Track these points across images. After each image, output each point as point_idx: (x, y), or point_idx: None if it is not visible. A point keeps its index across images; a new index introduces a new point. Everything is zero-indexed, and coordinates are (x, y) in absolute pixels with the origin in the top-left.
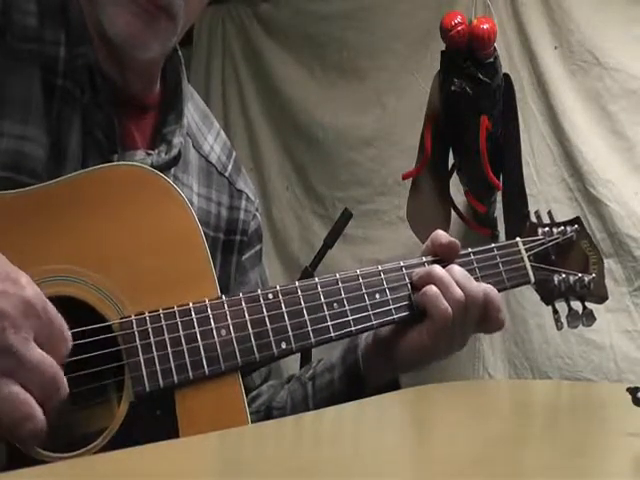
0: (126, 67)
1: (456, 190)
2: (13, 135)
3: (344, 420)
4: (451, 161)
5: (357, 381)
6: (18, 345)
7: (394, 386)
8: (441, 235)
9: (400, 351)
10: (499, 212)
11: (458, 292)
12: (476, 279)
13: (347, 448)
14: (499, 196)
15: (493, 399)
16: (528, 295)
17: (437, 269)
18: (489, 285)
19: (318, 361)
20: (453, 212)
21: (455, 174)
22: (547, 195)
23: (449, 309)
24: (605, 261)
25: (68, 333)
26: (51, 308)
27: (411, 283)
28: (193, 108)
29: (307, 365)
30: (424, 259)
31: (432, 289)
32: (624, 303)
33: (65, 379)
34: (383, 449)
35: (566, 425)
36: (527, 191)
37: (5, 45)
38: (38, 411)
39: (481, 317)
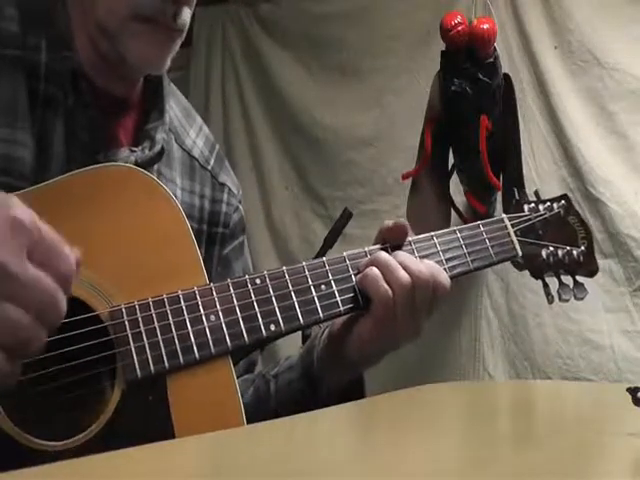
0: (123, 78)
1: (456, 190)
2: (1, 139)
3: (341, 421)
4: (451, 161)
5: (313, 382)
6: (10, 263)
7: (357, 387)
8: (388, 222)
9: (349, 346)
10: (499, 212)
11: (402, 274)
12: (463, 256)
13: (344, 449)
14: (499, 196)
15: (493, 399)
16: (528, 296)
17: (381, 254)
18: (436, 265)
19: (285, 358)
20: (453, 212)
21: (455, 174)
22: (547, 195)
23: (389, 291)
24: (605, 261)
25: (68, 250)
26: (44, 226)
27: (357, 273)
28: (175, 104)
29: (273, 363)
30: (366, 249)
31: (372, 271)
32: (624, 303)
33: (64, 298)
34: (381, 449)
35: (566, 425)
36: (527, 191)
37: None
38: (40, 333)
39: (432, 300)
